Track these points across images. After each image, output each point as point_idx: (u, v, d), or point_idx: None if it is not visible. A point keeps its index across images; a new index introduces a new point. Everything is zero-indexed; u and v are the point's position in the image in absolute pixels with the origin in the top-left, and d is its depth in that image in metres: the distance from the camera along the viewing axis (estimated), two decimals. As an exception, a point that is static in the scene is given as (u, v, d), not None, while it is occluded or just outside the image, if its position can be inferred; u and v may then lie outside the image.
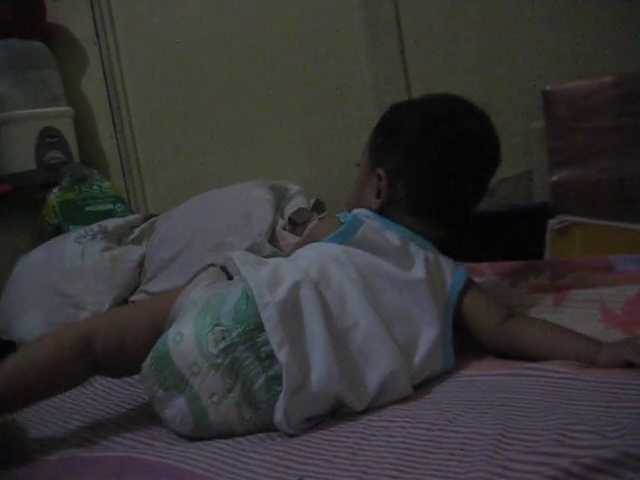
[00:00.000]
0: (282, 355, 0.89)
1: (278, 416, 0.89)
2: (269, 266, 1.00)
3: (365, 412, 0.94)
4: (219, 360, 0.90)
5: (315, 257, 1.04)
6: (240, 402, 0.91)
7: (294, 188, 1.73)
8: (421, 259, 1.08)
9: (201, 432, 0.93)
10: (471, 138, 1.14)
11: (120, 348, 0.99)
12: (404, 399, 0.97)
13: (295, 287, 0.95)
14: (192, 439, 0.94)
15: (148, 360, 0.95)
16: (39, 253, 1.72)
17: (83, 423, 1.05)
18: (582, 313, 1.13)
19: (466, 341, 1.09)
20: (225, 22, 2.03)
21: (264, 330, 0.91)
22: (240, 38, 2.01)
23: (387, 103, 1.78)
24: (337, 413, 0.94)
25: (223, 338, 0.91)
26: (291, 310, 0.93)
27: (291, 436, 0.90)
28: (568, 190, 1.53)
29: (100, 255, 1.64)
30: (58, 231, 1.92)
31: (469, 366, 1.06)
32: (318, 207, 1.76)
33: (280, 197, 1.71)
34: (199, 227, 1.62)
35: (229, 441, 0.89)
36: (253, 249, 1.47)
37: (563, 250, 1.44)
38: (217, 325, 0.92)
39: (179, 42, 2.11)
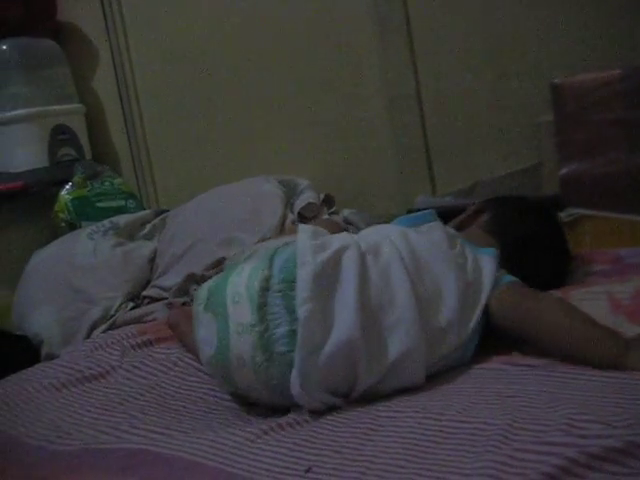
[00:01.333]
0: (302, 311, 0.93)
1: (295, 387, 0.91)
2: (325, 237, 1.05)
3: (374, 402, 0.95)
4: (255, 296, 0.96)
5: (372, 235, 1.09)
6: (257, 343, 0.94)
7: (304, 183, 1.74)
8: (471, 258, 1.09)
9: (218, 361, 0.97)
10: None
11: None
12: (413, 390, 0.97)
13: (339, 251, 1.00)
14: (203, 427, 0.95)
15: (210, 283, 1.04)
16: (52, 249, 1.74)
17: (96, 414, 1.06)
18: (589, 304, 1.13)
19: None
20: (236, 18, 2.04)
21: None
22: (251, 34, 2.01)
23: (396, 99, 1.82)
24: (347, 401, 0.95)
25: (266, 279, 0.97)
26: (329, 272, 0.97)
27: (301, 426, 0.91)
28: (577, 183, 1.53)
29: (112, 251, 1.65)
30: (71, 227, 1.94)
31: (478, 359, 1.05)
32: (328, 202, 1.76)
33: (290, 192, 1.72)
34: (209, 222, 1.63)
35: (240, 432, 0.90)
36: None
37: (573, 243, 1.43)
38: (268, 268, 0.99)
39: (189, 38, 2.12)
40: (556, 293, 1.15)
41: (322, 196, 1.76)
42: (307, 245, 1.00)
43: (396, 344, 0.96)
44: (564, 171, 1.53)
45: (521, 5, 1.66)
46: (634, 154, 1.46)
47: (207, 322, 0.99)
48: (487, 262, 1.08)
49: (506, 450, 0.74)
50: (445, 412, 0.86)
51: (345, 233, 1.12)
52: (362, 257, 1.00)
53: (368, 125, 1.88)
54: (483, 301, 1.04)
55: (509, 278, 1.08)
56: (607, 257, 1.32)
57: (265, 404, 1.00)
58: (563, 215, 1.48)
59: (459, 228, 1.21)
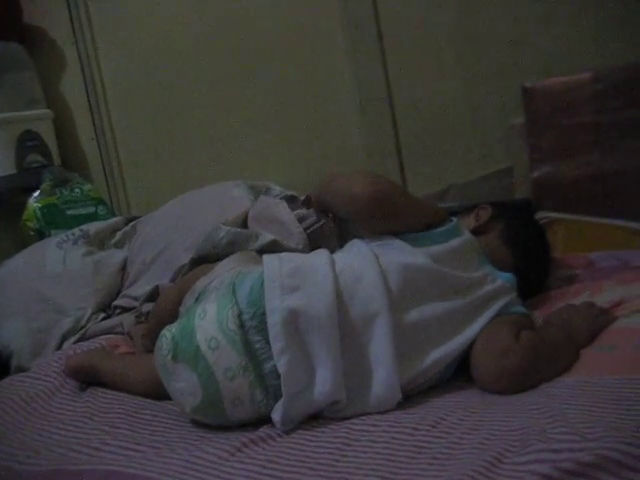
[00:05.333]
0: (281, 364, 0.91)
1: (276, 415, 0.91)
2: (297, 261, 1.01)
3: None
4: (237, 337, 0.93)
5: (360, 260, 1.01)
6: (254, 382, 0.93)
7: (276, 189, 1.72)
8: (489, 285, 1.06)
9: (207, 409, 0.94)
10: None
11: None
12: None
13: (312, 297, 0.94)
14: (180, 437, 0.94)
15: (172, 330, 0.98)
16: (20, 259, 1.70)
17: (65, 431, 1.04)
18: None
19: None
20: (205, 23, 2.02)
21: None
22: (220, 39, 2.00)
23: (368, 102, 1.82)
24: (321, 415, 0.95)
25: (239, 317, 0.94)
26: (301, 320, 0.93)
27: (274, 441, 0.90)
28: (549, 186, 1.54)
29: (82, 260, 1.62)
30: (40, 236, 1.90)
31: (456, 374, 1.04)
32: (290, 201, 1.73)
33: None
34: (177, 228, 1.60)
35: (212, 449, 0.89)
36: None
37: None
38: (235, 304, 0.95)
39: (158, 43, 2.10)
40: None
41: (302, 197, 1.73)
42: (275, 283, 0.96)
43: (376, 387, 0.94)
44: (536, 174, 1.54)
45: (493, 8, 1.66)
46: (605, 157, 1.48)
47: (182, 373, 0.95)
48: (502, 292, 1.05)
49: (480, 466, 0.74)
50: (419, 426, 0.86)
51: (324, 258, 1.02)
52: (340, 299, 0.95)
53: (340, 128, 1.88)
54: (474, 331, 1.00)
55: (517, 309, 1.05)
56: (579, 261, 1.33)
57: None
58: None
59: (475, 233, 1.16)
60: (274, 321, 0.93)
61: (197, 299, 1.05)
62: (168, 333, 0.98)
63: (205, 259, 1.36)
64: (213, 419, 0.97)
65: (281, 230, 1.41)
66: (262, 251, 1.34)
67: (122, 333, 1.44)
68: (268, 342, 0.93)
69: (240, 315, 0.94)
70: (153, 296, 1.49)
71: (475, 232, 1.15)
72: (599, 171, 1.48)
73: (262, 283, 0.96)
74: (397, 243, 1.04)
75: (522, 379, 0.95)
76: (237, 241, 1.39)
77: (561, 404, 0.87)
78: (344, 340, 0.94)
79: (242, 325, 0.94)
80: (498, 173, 1.67)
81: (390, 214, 1.05)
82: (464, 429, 0.84)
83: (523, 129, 1.57)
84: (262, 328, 0.93)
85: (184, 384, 0.95)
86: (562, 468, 0.69)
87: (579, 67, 1.52)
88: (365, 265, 0.99)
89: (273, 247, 1.38)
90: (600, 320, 1.07)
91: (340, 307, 0.95)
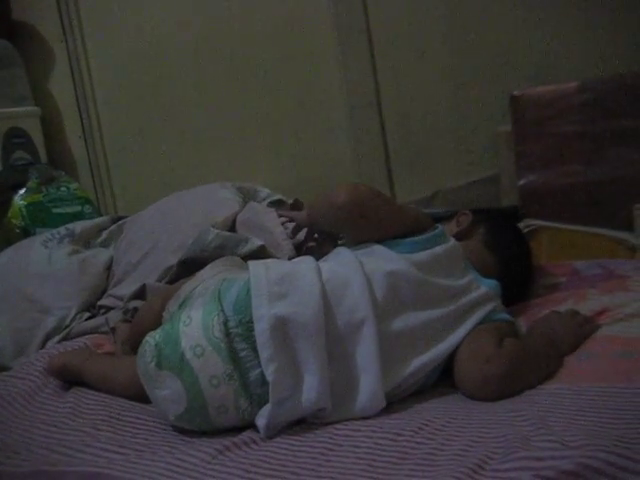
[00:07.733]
0: (269, 372, 0.91)
1: (261, 422, 0.91)
2: (284, 268, 1.00)
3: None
4: (222, 345, 0.92)
5: (345, 267, 1.01)
6: (239, 391, 0.92)
7: (264, 191, 1.72)
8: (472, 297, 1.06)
9: (191, 416, 0.94)
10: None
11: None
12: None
13: (299, 304, 0.94)
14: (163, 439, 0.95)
15: (155, 337, 0.96)
16: (5, 257, 1.69)
17: (47, 432, 1.03)
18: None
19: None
20: (196, 24, 2.02)
21: None
22: (210, 41, 2.00)
23: (357, 107, 1.82)
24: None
25: (225, 324, 0.93)
26: (289, 327, 0.93)
27: (257, 444, 0.90)
28: (535, 194, 1.55)
29: (67, 259, 1.61)
30: (25, 234, 1.89)
31: (439, 379, 1.04)
32: (278, 205, 1.73)
33: (248, 199, 1.70)
34: (164, 229, 1.59)
35: (195, 452, 0.89)
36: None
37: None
38: (221, 311, 0.95)
39: (148, 42, 2.09)
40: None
41: (291, 201, 1.73)
42: (262, 290, 0.95)
43: (361, 395, 0.94)
44: (522, 182, 1.55)
45: (482, 17, 1.67)
46: (591, 166, 1.49)
47: (166, 380, 0.94)
48: (486, 299, 1.06)
49: (462, 472, 0.74)
50: (402, 432, 0.86)
51: (311, 265, 1.02)
52: (326, 306, 0.95)
53: (329, 133, 1.88)
54: (458, 338, 1.01)
55: (501, 316, 1.07)
56: (564, 270, 1.33)
57: None
58: (521, 226, 1.50)
59: (458, 239, 1.16)
60: (262, 329, 0.92)
61: (181, 305, 1.04)
62: (151, 340, 0.97)
63: (194, 261, 1.36)
64: (197, 426, 0.96)
65: (269, 239, 1.41)
66: (249, 256, 1.34)
67: (106, 333, 1.44)
68: (253, 350, 0.92)
69: (226, 322, 0.94)
70: (139, 295, 1.49)
71: (457, 238, 1.16)
72: (585, 180, 1.49)
73: (248, 290, 0.96)
74: (381, 250, 1.05)
75: (504, 386, 0.96)
76: (227, 245, 1.38)
77: (543, 411, 0.88)
78: (330, 348, 0.94)
79: (228, 333, 0.93)
80: (485, 180, 1.67)
81: (371, 220, 1.06)
82: (447, 435, 0.84)
83: (510, 137, 1.58)
84: (247, 336, 0.93)
85: (168, 392, 0.94)
86: (544, 476, 0.69)
87: (566, 76, 1.54)
88: (351, 273, 0.99)
89: (261, 253, 1.38)
90: (583, 328, 1.08)
91: (327, 315, 0.95)
